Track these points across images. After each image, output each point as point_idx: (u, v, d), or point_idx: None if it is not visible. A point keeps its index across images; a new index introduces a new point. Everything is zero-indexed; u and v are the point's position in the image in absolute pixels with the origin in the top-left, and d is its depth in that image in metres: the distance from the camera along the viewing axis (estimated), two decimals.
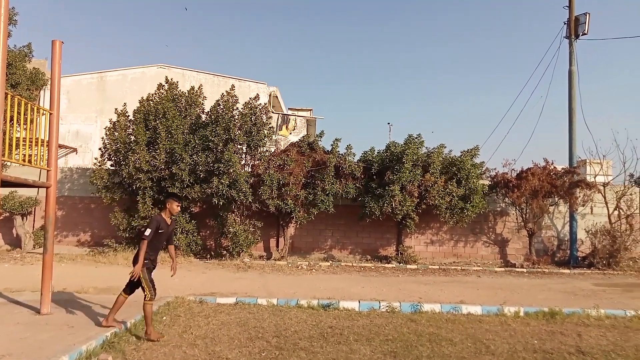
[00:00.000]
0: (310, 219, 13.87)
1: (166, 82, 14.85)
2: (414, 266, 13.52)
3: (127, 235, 13.69)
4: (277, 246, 14.93)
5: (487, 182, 14.96)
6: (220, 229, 13.69)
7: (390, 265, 13.54)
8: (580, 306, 7.75)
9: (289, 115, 24.68)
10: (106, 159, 14.23)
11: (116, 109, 14.46)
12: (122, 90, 20.97)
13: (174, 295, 7.57)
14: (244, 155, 13.91)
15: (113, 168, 14.22)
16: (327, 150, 14.29)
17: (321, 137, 14.63)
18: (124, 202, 14.21)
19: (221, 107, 13.71)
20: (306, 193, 13.63)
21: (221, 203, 13.12)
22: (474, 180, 13.94)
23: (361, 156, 14.63)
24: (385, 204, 13.35)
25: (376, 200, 13.54)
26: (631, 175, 15.84)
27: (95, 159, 14.59)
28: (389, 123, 72.85)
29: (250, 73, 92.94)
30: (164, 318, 6.34)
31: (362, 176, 14.09)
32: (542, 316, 7.11)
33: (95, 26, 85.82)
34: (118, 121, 14.12)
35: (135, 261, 5.29)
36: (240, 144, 13.59)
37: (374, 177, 14.11)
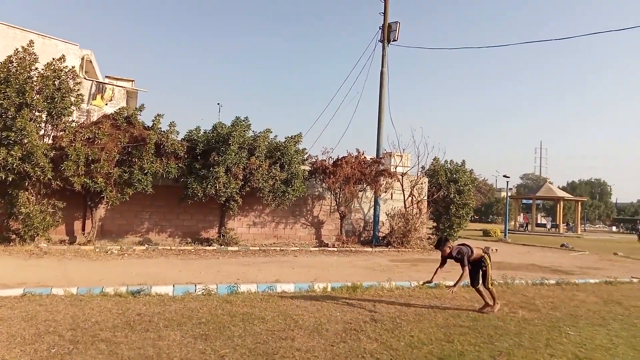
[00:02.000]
0: (125, 200, 12.72)
1: None
2: (235, 248, 13.59)
3: None
4: (84, 229, 13.36)
5: (307, 168, 15.88)
6: (9, 209, 11.56)
7: (211, 248, 13.35)
8: (377, 280, 8.83)
9: (105, 83, 22.16)
10: None
11: None
12: None
13: None
14: (43, 125, 11.94)
15: None
16: (148, 126, 13.26)
17: (141, 110, 13.51)
18: None
19: (14, 65, 11.49)
20: (121, 171, 12.44)
21: (11, 178, 11.05)
22: (296, 165, 14.65)
23: (186, 135, 14.00)
24: (209, 186, 13.08)
25: (200, 181, 13.16)
26: (423, 167, 18.69)
27: None
28: (218, 104, 71.41)
29: (62, 33, 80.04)
30: None
31: (186, 156, 13.50)
32: (346, 290, 7.86)
33: None
34: None
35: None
36: (39, 111, 11.60)
37: (199, 157, 13.66)
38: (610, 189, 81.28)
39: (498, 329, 5.82)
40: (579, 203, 45.12)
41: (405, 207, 17.04)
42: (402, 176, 17.33)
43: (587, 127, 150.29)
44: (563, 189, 59.15)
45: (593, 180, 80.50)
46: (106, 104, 21.00)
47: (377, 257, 13.51)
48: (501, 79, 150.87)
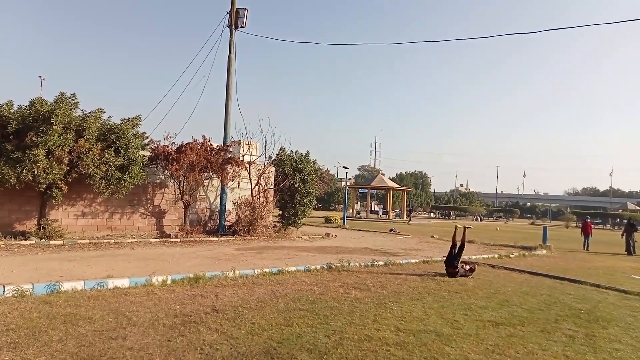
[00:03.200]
0: None
1: None
2: (59, 242, 12.00)
3: None
4: None
5: (148, 154, 14.80)
6: None
7: (28, 243, 11.56)
8: (221, 269, 8.69)
9: None
10: None
11: None
12: None
13: None
14: None
15: None
16: None
17: None
18: None
19: None
20: None
21: None
22: (135, 150, 13.53)
23: None
24: (25, 170, 11.28)
25: (12, 165, 11.26)
26: (270, 157, 18.98)
27: None
28: (40, 76, 62.30)
29: None
30: None
31: None
32: (188, 282, 7.57)
33: None
34: None
35: None
36: None
37: (11, 137, 11.64)
38: (430, 180, 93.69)
39: (333, 310, 6.24)
40: (405, 192, 51.05)
41: (252, 196, 17.11)
42: (250, 165, 17.35)
43: (414, 124, 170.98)
44: (393, 179, 66.13)
45: (417, 173, 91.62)
46: None
47: (222, 246, 13.31)
48: (349, 76, 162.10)
